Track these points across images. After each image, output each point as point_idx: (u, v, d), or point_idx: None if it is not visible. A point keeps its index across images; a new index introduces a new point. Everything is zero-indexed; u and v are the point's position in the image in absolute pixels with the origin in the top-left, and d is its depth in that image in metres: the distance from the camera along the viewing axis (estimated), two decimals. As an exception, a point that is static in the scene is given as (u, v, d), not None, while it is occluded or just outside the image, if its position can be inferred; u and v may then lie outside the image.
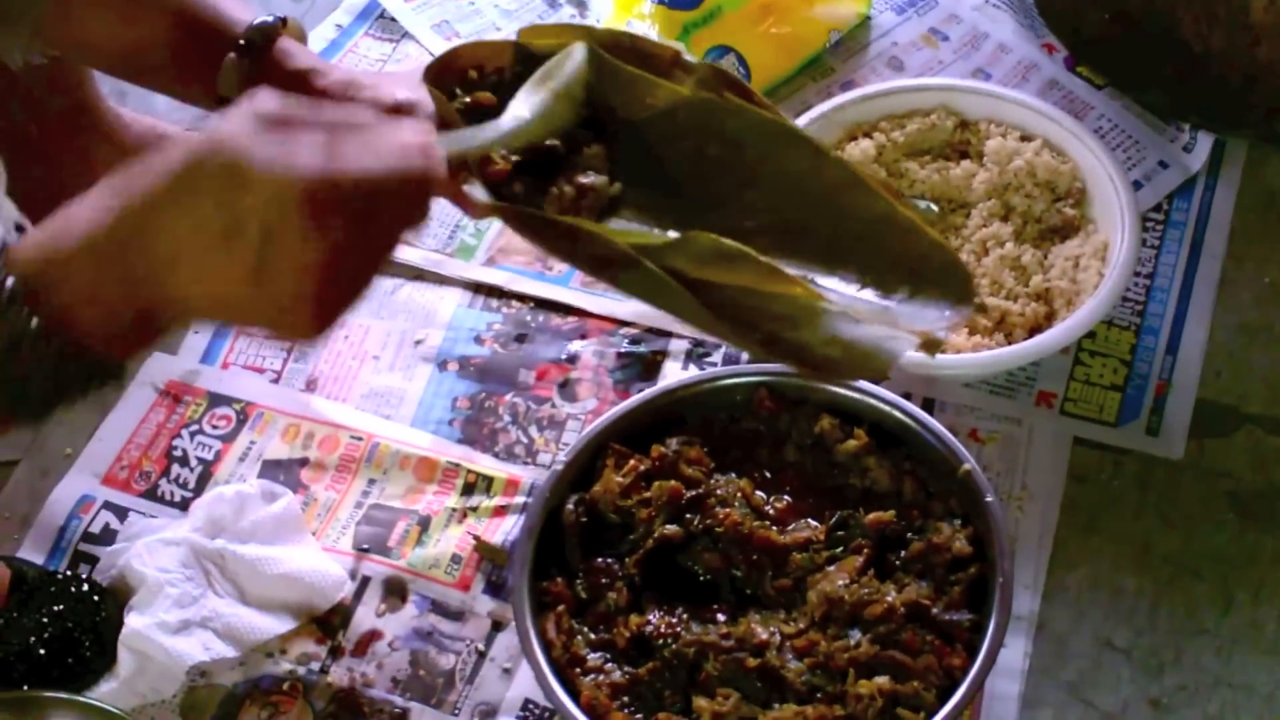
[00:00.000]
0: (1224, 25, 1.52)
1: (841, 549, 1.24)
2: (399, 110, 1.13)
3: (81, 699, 1.16)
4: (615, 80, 1.11)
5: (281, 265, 0.87)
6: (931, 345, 1.05)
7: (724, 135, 1.10)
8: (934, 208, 1.53)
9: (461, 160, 1.03)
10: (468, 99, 1.11)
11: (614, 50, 1.11)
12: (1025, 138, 1.55)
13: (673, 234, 1.05)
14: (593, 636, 1.23)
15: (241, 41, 1.20)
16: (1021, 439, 1.46)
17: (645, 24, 1.67)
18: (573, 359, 1.54)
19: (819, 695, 1.17)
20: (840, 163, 1.12)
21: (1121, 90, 1.68)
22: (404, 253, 1.62)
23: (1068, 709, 1.31)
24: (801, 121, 1.56)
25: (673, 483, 1.26)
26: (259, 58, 1.20)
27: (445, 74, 1.12)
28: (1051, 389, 1.48)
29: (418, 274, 1.61)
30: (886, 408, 1.30)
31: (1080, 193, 1.52)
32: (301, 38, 1.26)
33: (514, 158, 1.07)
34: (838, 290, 1.07)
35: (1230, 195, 1.61)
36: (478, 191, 1.04)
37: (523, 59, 1.13)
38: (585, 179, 1.07)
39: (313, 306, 0.90)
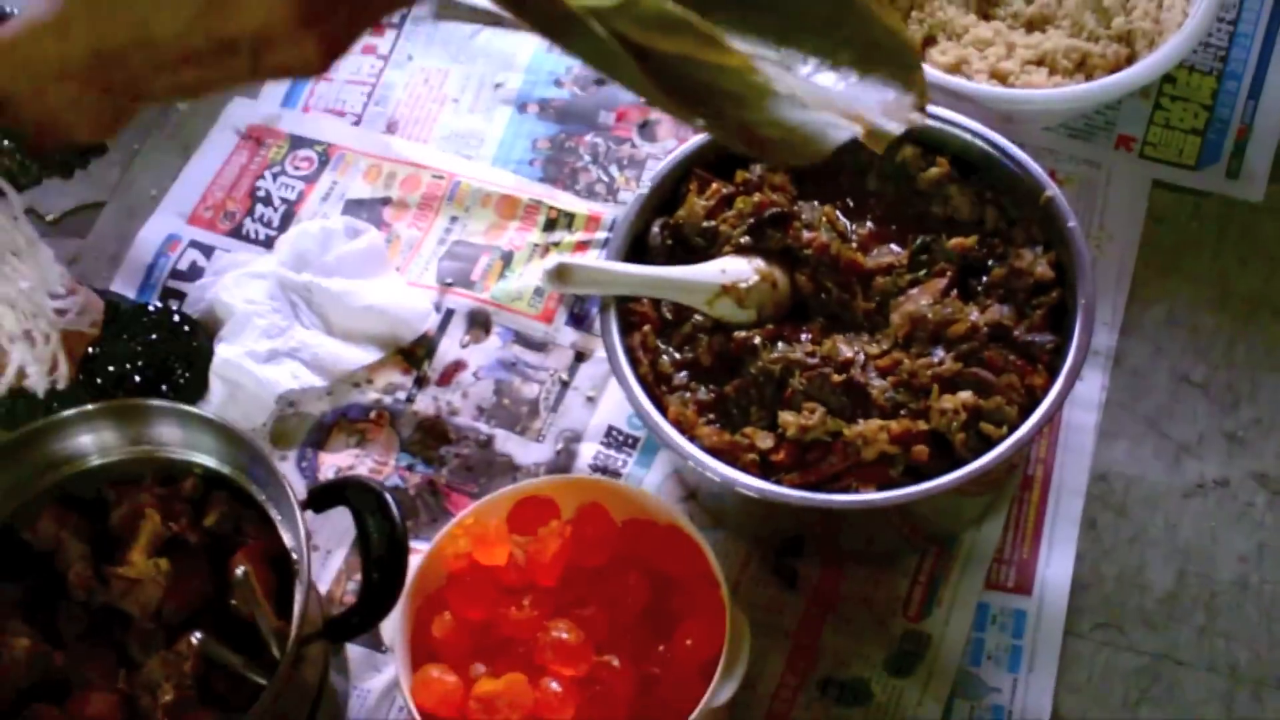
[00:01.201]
0: None
1: (924, 272, 1.25)
2: None
3: (182, 406, 1.18)
4: None
5: None
6: (877, 136, 1.05)
7: None
8: (1014, -49, 1.52)
9: None
10: None
11: None
12: (1113, -121, 1.53)
13: None
14: (677, 356, 1.24)
15: None
16: (1100, 181, 1.46)
17: None
18: (652, 101, 1.54)
19: (903, 411, 1.18)
20: None
21: None
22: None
23: (1144, 440, 1.33)
24: None
25: (758, 196, 1.27)
26: None
27: None
28: (1131, 132, 1.49)
29: (495, 19, 1.61)
30: (969, 137, 1.30)
31: (1166, -65, 1.50)
32: None
33: None
34: (789, 68, 1.08)
35: (1317, -55, 1.59)
36: None
37: None
38: None
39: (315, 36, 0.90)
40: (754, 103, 1.04)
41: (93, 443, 1.20)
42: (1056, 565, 1.27)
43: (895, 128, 1.07)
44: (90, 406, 1.18)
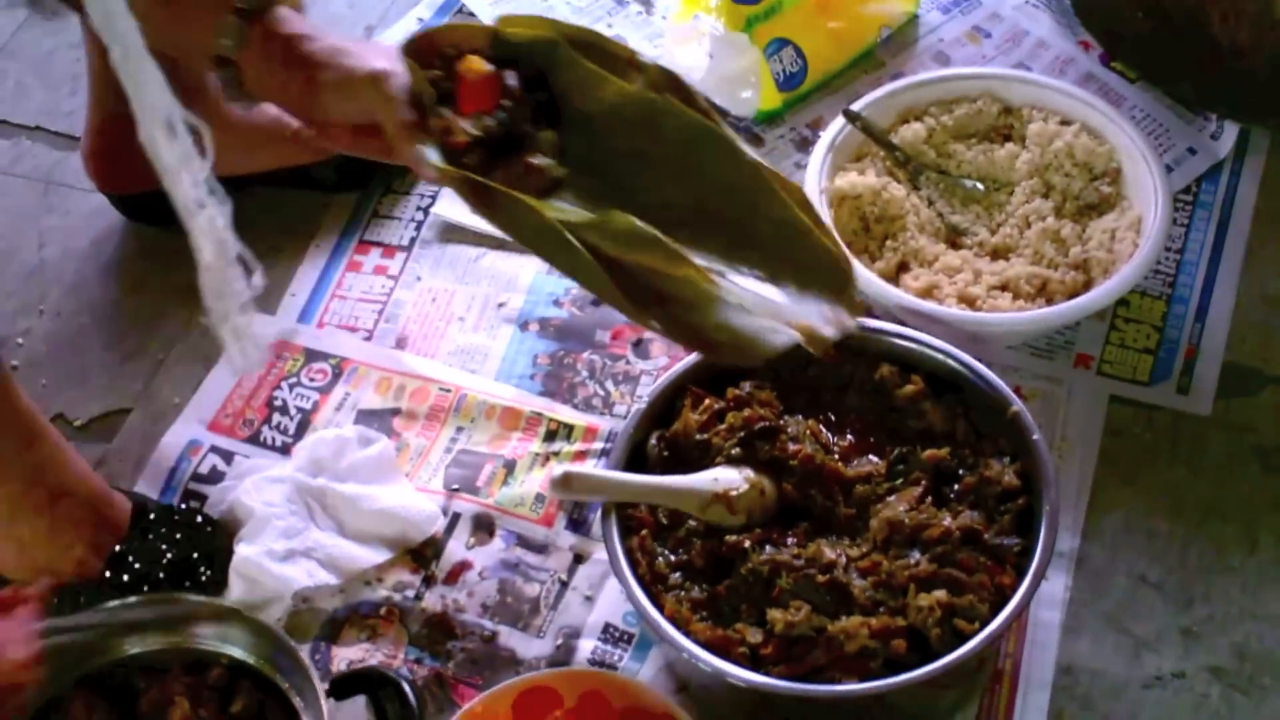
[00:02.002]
0: (1250, 20, 1.65)
1: (901, 481, 1.36)
2: (376, 79, 1.24)
3: (217, 601, 1.27)
4: (574, 73, 1.26)
5: None
6: (816, 341, 1.23)
7: (660, 132, 1.27)
8: (979, 186, 1.66)
9: (423, 124, 1.20)
10: (440, 73, 1.25)
11: (579, 46, 1.27)
12: (1065, 122, 1.67)
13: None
14: (673, 558, 1.34)
15: (239, 4, 1.27)
16: (1061, 397, 1.57)
17: (711, 16, 1.79)
18: (645, 320, 1.66)
19: (882, 609, 1.28)
20: (757, 167, 1.28)
21: (1153, 83, 1.81)
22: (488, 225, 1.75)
23: (1105, 636, 1.43)
24: (857, 106, 1.69)
25: (747, 411, 1.38)
26: (254, 19, 1.27)
27: (423, 50, 1.26)
28: (1089, 351, 1.60)
29: (499, 244, 1.73)
30: (941, 356, 1.42)
31: (1116, 172, 1.64)
32: (297, 6, 1.38)
33: (474, 132, 1.20)
34: (737, 282, 1.24)
35: (1255, 178, 1.74)
36: (433, 155, 1.20)
37: (497, 45, 1.28)
38: (535, 160, 1.23)
39: None
40: (704, 308, 1.22)
41: (128, 634, 1.28)
42: (1027, 754, 1.36)
43: (831, 333, 1.24)
44: (133, 599, 1.27)
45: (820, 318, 1.24)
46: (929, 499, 1.34)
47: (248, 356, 1.18)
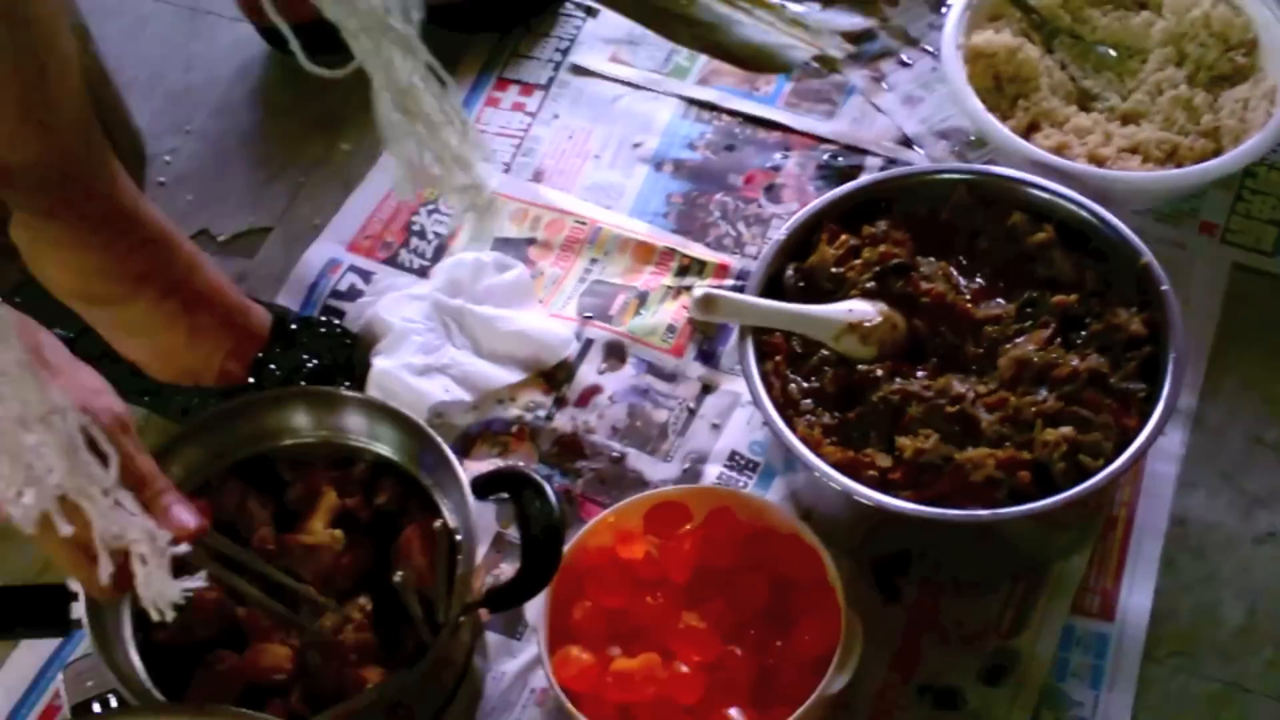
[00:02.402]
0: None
1: (1029, 324, 1.39)
2: None
3: (368, 397, 1.32)
4: None
5: None
6: (827, 61, 1.34)
7: None
8: (1112, 53, 1.68)
9: None
10: None
11: None
12: (1203, -9, 1.69)
13: None
14: (805, 385, 1.38)
15: None
16: (1184, 262, 1.60)
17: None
18: (777, 168, 1.69)
19: (1007, 443, 1.32)
20: None
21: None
22: (623, 70, 1.79)
23: (1219, 492, 1.46)
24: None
25: (883, 248, 1.42)
26: None
27: None
28: (1214, 220, 1.63)
29: (637, 86, 1.77)
30: (1073, 207, 1.44)
31: (1252, 44, 1.65)
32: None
33: None
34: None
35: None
36: None
37: None
38: None
39: None
40: (727, 29, 1.32)
41: (280, 426, 1.33)
42: (1137, 597, 1.39)
43: (839, 54, 1.38)
44: (285, 390, 1.32)
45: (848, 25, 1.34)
46: (1057, 341, 1.37)
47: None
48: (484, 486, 1.28)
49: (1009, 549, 1.39)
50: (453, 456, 1.27)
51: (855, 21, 1.32)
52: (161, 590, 1.03)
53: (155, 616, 1.04)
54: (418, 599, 1.22)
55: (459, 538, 1.25)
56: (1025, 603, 1.39)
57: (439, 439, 1.28)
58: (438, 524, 1.23)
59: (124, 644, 1.22)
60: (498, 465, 1.49)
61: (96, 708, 1.21)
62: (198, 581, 1.10)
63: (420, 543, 1.28)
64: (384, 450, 1.32)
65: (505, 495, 1.28)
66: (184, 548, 1.04)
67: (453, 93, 0.97)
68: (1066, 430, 1.30)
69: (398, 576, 1.21)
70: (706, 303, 1.36)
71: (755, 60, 1.29)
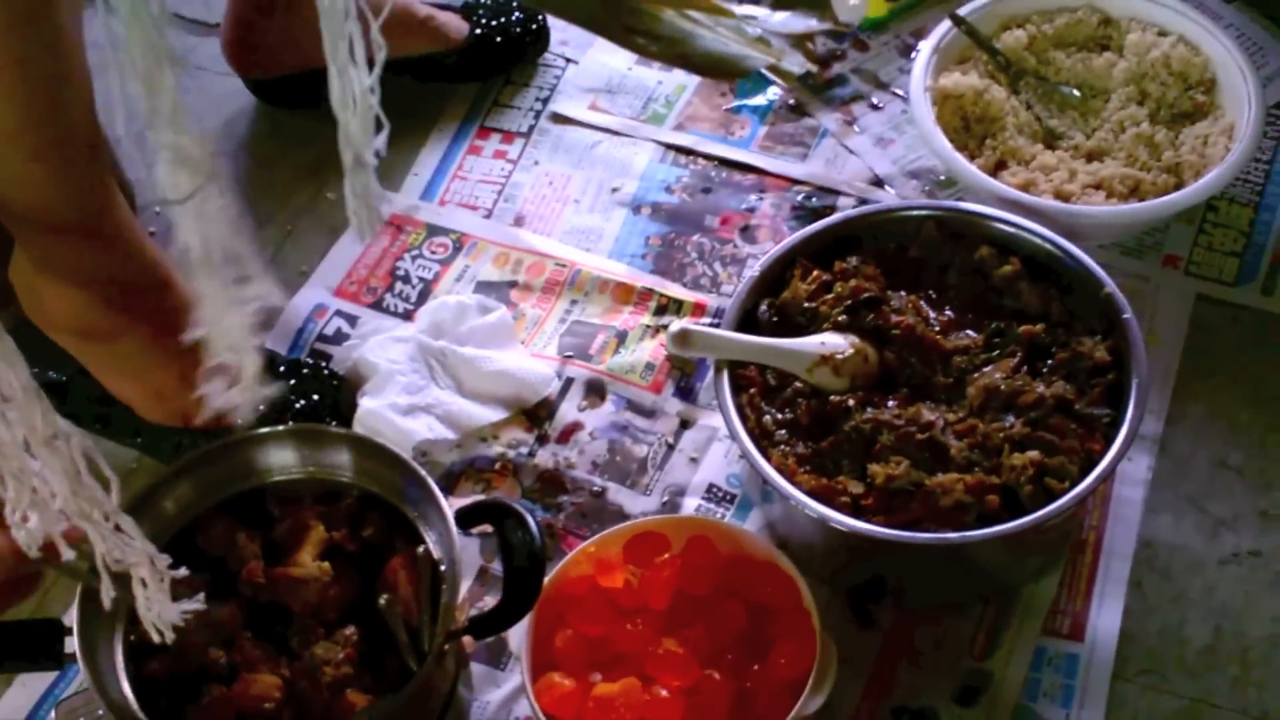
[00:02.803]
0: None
1: (997, 353, 1.43)
2: None
3: (357, 434, 1.36)
4: None
5: None
6: (779, 72, 1.44)
7: None
8: (1076, 93, 1.73)
9: None
10: None
11: None
12: (1162, 33, 1.74)
13: None
14: (779, 416, 1.42)
15: None
16: (1149, 293, 1.64)
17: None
18: (752, 209, 1.74)
19: (976, 469, 1.35)
20: None
21: (1249, 2, 1.87)
22: (602, 118, 1.85)
23: (1185, 515, 1.50)
24: (963, 11, 1.76)
25: (854, 282, 1.46)
26: None
27: None
28: (1177, 252, 1.67)
29: (615, 132, 1.82)
30: (1039, 240, 1.49)
31: (1211, 82, 1.71)
32: None
33: None
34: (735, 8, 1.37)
35: (1345, 97, 1.80)
36: None
37: None
38: None
39: None
40: (690, 42, 1.31)
41: (269, 463, 1.37)
42: (1106, 617, 1.43)
43: (797, 69, 1.43)
44: (280, 428, 1.36)
45: (806, 27, 1.39)
46: (1024, 370, 1.41)
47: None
48: (467, 517, 1.31)
49: (980, 572, 1.43)
50: (436, 489, 1.30)
51: (810, 24, 1.38)
52: (161, 612, 1.06)
53: (155, 638, 1.07)
54: (403, 625, 1.26)
55: (443, 567, 1.28)
56: (997, 625, 1.43)
57: (424, 473, 1.32)
58: (421, 549, 1.26)
59: (117, 677, 1.25)
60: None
61: (90, 742, 1.25)
62: (196, 604, 1.12)
63: (406, 572, 1.31)
64: (370, 485, 1.36)
65: (489, 528, 1.31)
66: (182, 571, 1.07)
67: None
68: (1033, 454, 1.34)
69: (382, 600, 1.25)
70: (682, 338, 1.40)
71: (716, 69, 1.36)
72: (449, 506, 1.29)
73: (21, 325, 1.44)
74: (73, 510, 0.96)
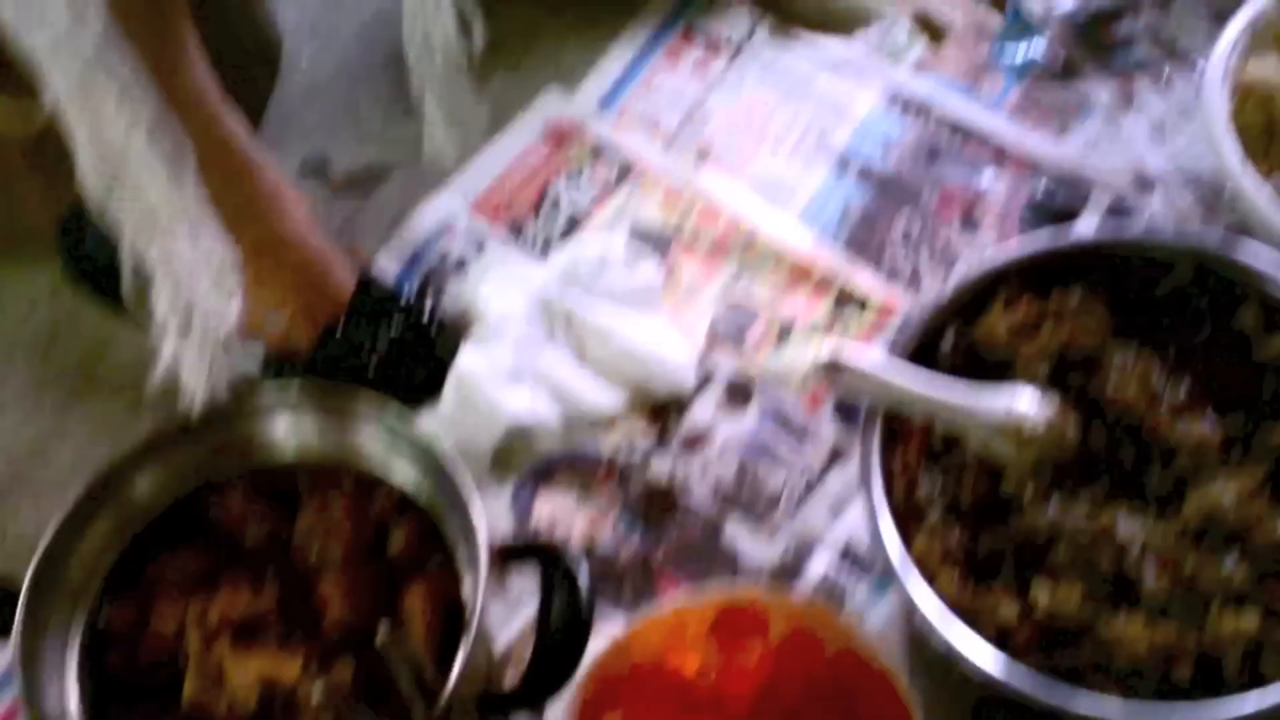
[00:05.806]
0: None
1: (1239, 460, 1.09)
2: None
3: (395, 420, 1.12)
4: None
5: None
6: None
7: None
8: None
9: None
10: None
11: None
12: None
13: None
14: (938, 485, 1.11)
15: None
16: None
17: None
18: (982, 192, 1.41)
19: (1171, 617, 1.03)
20: None
21: None
22: (830, 42, 1.54)
23: None
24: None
25: (1069, 327, 1.14)
26: None
27: None
28: None
29: (837, 64, 1.50)
30: (1341, 312, 1.13)
31: None
32: None
33: None
34: None
35: None
36: None
37: None
38: None
39: None
40: None
41: (282, 436, 1.17)
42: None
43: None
44: (299, 395, 1.15)
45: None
46: (1268, 492, 1.07)
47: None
48: (506, 556, 1.07)
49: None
50: (476, 512, 1.06)
51: None
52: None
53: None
54: (408, 673, 1.04)
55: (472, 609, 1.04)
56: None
57: (463, 482, 1.07)
58: (381, 633, 1.04)
59: (62, 682, 1.08)
60: (570, 509, 1.27)
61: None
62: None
63: (424, 604, 1.08)
64: (407, 485, 1.12)
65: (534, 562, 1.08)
66: None
67: None
68: (1250, 622, 1.01)
69: (381, 634, 1.04)
70: (832, 369, 1.10)
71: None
72: (485, 537, 1.04)
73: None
74: None
